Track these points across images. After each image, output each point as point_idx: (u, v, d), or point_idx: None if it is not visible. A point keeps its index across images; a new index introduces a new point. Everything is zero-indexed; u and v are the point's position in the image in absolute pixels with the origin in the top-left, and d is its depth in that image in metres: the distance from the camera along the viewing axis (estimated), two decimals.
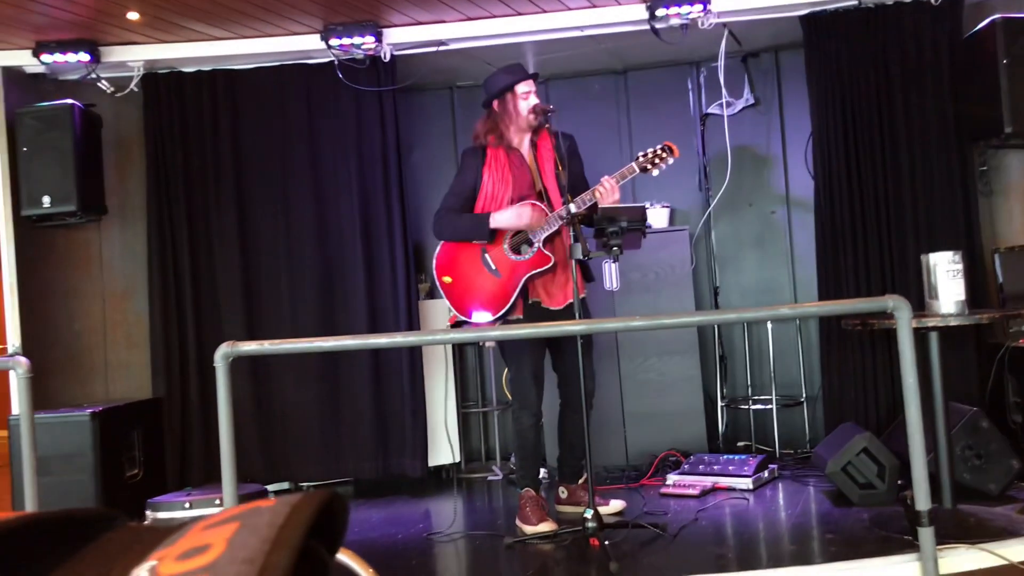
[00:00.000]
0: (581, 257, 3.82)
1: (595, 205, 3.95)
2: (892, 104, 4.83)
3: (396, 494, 5.02)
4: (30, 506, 3.56)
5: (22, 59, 4.85)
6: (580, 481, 4.32)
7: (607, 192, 3.93)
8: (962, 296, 3.66)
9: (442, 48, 5.01)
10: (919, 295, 3.79)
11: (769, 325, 5.51)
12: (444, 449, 5.40)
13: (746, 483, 4.48)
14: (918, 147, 4.78)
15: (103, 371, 5.29)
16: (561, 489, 4.38)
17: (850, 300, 4.46)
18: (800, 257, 5.61)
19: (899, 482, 4.02)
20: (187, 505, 4.16)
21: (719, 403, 5.62)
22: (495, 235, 4.08)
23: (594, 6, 4.84)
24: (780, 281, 5.69)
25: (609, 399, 5.16)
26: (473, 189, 4.16)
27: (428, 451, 5.16)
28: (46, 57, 4.78)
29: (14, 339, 4.88)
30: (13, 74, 4.93)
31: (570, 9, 4.86)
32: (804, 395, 5.46)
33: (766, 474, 4.65)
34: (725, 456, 4.74)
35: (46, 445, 4.19)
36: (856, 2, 4.82)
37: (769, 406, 5.42)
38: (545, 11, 4.86)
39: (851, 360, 4.86)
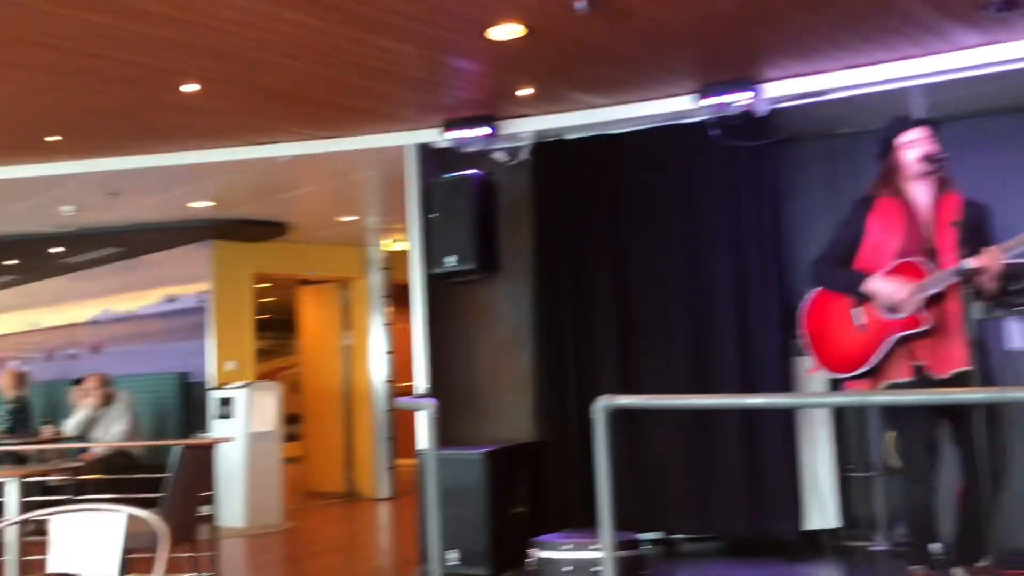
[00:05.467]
0: (979, 317, 3.48)
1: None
2: None
3: (769, 555, 4.89)
4: (434, 535, 3.99)
5: (433, 136, 5.61)
6: (981, 564, 3.89)
7: (984, 261, 3.54)
8: None
9: (821, 99, 4.89)
10: None
11: None
12: (820, 512, 5.15)
13: None
14: None
15: (492, 414, 5.79)
16: (957, 571, 3.98)
17: None
18: None
19: None
20: (569, 547, 4.40)
21: None
22: (865, 297, 3.86)
23: (992, 42, 4.45)
24: None
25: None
26: (854, 238, 3.99)
27: (801, 513, 4.97)
28: (453, 134, 5.43)
29: (422, 383, 5.53)
30: (427, 150, 5.72)
31: (963, 48, 4.51)
32: None
33: None
34: None
35: (444, 479, 4.66)
36: None
37: None
38: (934, 53, 4.56)
39: None
